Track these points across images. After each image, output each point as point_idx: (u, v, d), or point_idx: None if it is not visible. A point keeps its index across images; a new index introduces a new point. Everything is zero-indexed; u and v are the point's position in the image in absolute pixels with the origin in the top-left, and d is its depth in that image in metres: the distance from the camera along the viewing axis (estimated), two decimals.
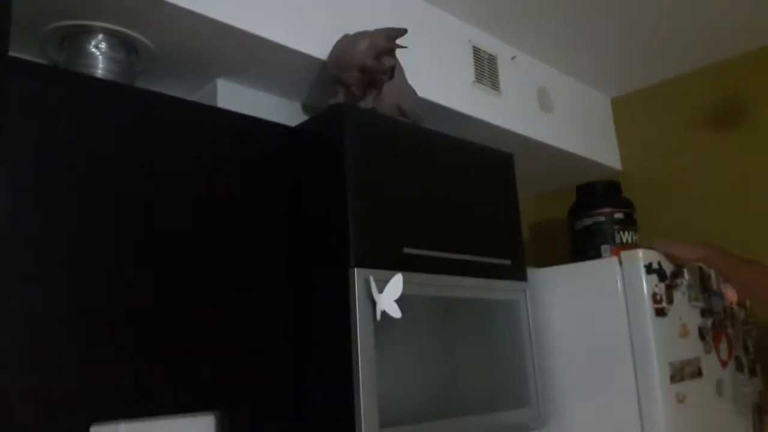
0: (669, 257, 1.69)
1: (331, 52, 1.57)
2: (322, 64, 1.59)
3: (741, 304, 1.91)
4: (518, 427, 1.64)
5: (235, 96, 1.65)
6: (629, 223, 2.06)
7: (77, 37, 1.35)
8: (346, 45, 1.54)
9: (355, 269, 1.30)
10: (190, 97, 1.67)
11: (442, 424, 1.41)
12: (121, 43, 1.38)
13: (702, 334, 1.72)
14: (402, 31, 1.46)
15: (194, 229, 1.30)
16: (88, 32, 1.35)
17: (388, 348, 1.33)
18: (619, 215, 2.04)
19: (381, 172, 1.42)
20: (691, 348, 1.66)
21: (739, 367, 1.88)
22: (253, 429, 1.31)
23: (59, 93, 1.16)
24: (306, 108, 1.84)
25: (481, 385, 1.54)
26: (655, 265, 1.61)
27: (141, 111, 1.27)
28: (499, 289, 1.64)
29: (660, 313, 1.58)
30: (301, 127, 1.52)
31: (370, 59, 1.47)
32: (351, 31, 1.59)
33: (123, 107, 1.25)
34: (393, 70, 1.51)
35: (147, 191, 1.25)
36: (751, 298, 1.82)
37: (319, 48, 1.58)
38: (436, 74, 1.86)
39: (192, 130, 1.35)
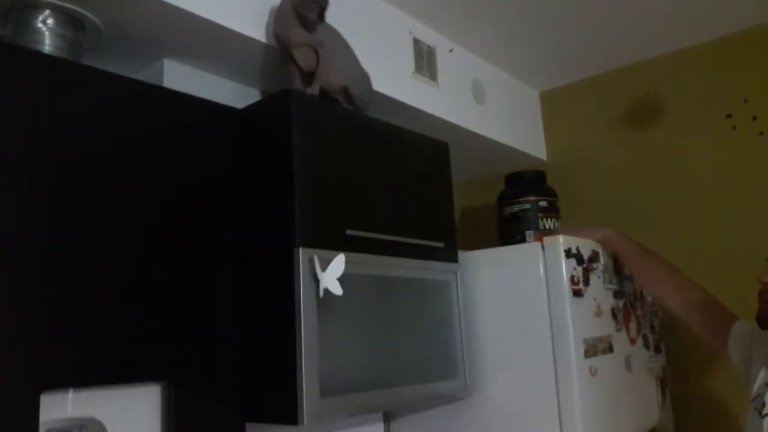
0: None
1: (272, 22, 1.60)
2: (269, 46, 1.63)
3: (639, 289, 2.07)
4: (447, 396, 1.77)
5: (182, 77, 1.67)
6: (552, 210, 2.21)
7: (24, 12, 1.34)
8: (279, 4, 1.57)
9: (300, 249, 1.37)
10: (135, 76, 1.68)
11: (379, 393, 1.51)
12: (68, 20, 1.38)
13: (614, 314, 1.89)
14: None
15: (139, 205, 1.33)
16: (35, 7, 1.34)
17: (330, 323, 1.41)
18: (543, 203, 2.19)
19: (325, 156, 1.49)
20: (604, 326, 1.83)
21: (646, 344, 2.08)
22: (198, 399, 1.37)
23: (5, 67, 1.16)
24: (263, 94, 1.88)
25: (415, 358, 1.65)
26: (573, 250, 1.76)
27: (87, 88, 1.28)
28: (433, 270, 1.75)
29: (577, 294, 1.73)
30: (248, 109, 1.57)
31: None
32: None
33: (70, 84, 1.25)
34: (319, 6, 1.52)
35: (92, 169, 1.27)
36: (639, 281, 1.96)
37: (267, 33, 1.62)
38: (378, 64, 1.93)
39: (137, 109, 1.37)
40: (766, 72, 2.24)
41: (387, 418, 2.08)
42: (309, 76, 1.62)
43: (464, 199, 2.99)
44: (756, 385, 1.44)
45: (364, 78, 1.73)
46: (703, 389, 2.26)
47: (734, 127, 2.29)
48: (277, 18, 1.58)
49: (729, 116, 2.30)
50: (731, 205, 2.27)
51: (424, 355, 1.68)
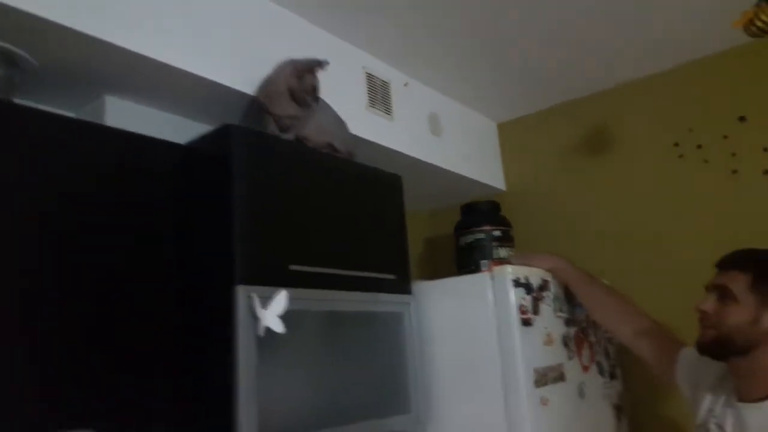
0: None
1: (259, 86, 1.70)
2: (213, 82, 1.64)
3: None
4: None
5: (125, 113, 1.66)
6: (506, 239, 2.23)
7: None
8: (272, 75, 1.68)
9: (239, 286, 1.36)
10: (76, 113, 1.68)
11: None
12: None
13: (566, 342, 1.90)
14: (324, 62, 1.67)
15: (79, 247, 1.31)
16: None
17: (272, 362, 1.39)
18: (497, 232, 2.21)
19: (267, 191, 1.49)
20: (555, 355, 1.83)
21: (601, 371, 2.09)
22: None
23: None
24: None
25: (365, 394, 1.63)
26: (522, 279, 1.77)
27: (20, 128, 1.27)
28: (384, 302, 1.75)
29: (526, 323, 1.74)
30: (191, 145, 1.56)
31: (294, 80, 1.64)
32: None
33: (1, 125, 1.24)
34: (315, 90, 1.67)
35: (30, 211, 1.25)
36: (589, 310, 1.94)
37: (214, 70, 1.63)
38: (331, 99, 1.93)
39: (75, 148, 1.35)
40: (707, 103, 2.31)
41: None
42: (285, 127, 1.68)
43: (428, 229, 3.01)
44: (701, 412, 1.46)
45: (345, 129, 1.83)
46: (660, 414, 2.27)
47: (681, 156, 2.34)
48: (267, 90, 1.67)
49: (676, 145, 2.36)
50: (679, 232, 2.31)
51: (376, 390, 1.67)
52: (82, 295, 1.30)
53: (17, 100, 1.39)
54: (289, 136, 1.67)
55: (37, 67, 1.42)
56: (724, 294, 1.35)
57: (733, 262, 1.38)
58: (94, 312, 1.31)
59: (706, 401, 1.45)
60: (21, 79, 1.41)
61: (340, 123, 1.81)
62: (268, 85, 1.69)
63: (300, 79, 1.65)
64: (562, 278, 1.94)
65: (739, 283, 1.33)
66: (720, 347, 1.35)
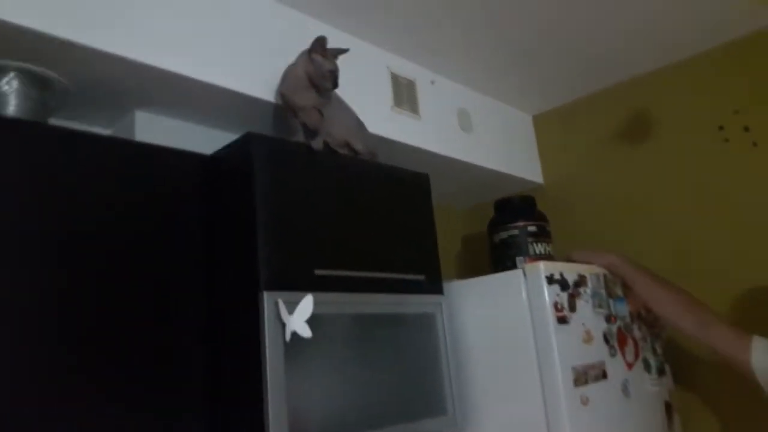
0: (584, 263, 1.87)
1: (280, 82, 1.70)
2: (243, 95, 1.67)
3: (636, 311, 2.01)
4: None
5: (154, 126, 1.70)
6: (542, 235, 2.17)
7: None
8: (289, 67, 1.68)
9: (265, 293, 1.36)
10: (108, 130, 1.73)
11: None
12: (33, 81, 1.42)
13: (606, 339, 1.83)
14: (323, 40, 1.63)
15: (113, 261, 1.35)
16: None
17: (300, 367, 1.39)
18: (532, 228, 2.15)
19: (291, 197, 1.49)
20: (595, 352, 1.77)
21: (647, 367, 2.01)
22: None
23: None
24: None
25: (398, 396, 1.61)
26: (556, 276, 1.72)
27: (55, 149, 1.31)
28: (414, 304, 1.73)
29: (562, 320, 1.69)
30: (216, 154, 1.59)
31: (309, 64, 1.63)
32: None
33: (36, 146, 1.29)
34: (334, 75, 1.65)
35: (64, 229, 1.29)
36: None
37: (238, 81, 1.65)
38: (355, 100, 1.93)
39: (107, 165, 1.39)
40: (754, 81, 2.19)
41: None
42: (312, 132, 1.68)
43: (466, 226, 2.97)
44: None
45: (362, 129, 1.80)
46: (715, 410, 2.17)
47: (727, 140, 2.23)
48: (287, 80, 1.67)
49: (721, 128, 2.25)
50: (728, 217, 2.20)
51: (409, 393, 1.65)
52: (116, 303, 1.33)
53: (52, 121, 1.45)
54: (316, 142, 1.65)
55: (68, 88, 1.47)
56: None
57: None
58: (127, 320, 1.34)
59: None
60: (55, 101, 1.47)
61: (358, 122, 1.79)
62: (287, 76, 1.68)
63: (314, 62, 1.63)
64: (619, 274, 1.92)
65: None
66: None
